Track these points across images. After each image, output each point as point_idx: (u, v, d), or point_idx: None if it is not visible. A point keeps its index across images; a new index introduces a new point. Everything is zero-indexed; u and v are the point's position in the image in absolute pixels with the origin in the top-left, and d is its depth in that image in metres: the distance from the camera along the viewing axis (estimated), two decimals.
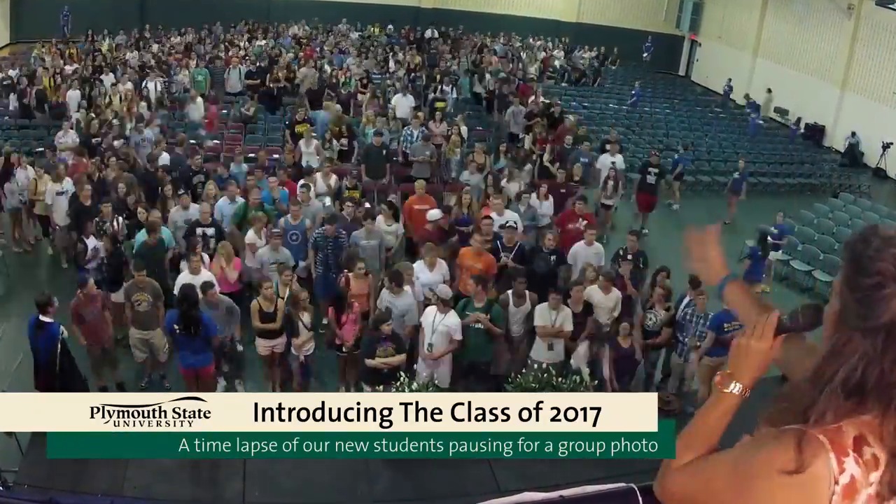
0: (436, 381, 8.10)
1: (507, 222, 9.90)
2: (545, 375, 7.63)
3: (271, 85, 17.60)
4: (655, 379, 9.15)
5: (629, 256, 9.58)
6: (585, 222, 10.32)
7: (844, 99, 21.98)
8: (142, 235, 9.39)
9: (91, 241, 9.41)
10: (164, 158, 12.13)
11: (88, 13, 23.19)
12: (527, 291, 8.49)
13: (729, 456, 1.52)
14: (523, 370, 7.90)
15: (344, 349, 8.31)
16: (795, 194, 18.29)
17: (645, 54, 28.25)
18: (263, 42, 22.39)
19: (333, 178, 11.63)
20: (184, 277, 8.43)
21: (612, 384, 8.15)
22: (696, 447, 1.62)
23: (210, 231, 9.67)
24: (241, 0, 26.32)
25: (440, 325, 7.97)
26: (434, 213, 10.09)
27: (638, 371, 8.72)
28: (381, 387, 7.90)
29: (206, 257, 9.05)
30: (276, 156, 13.51)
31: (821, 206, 16.15)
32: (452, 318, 8.03)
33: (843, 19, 21.81)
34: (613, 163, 13.71)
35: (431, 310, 8.11)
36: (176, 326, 7.60)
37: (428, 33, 26.73)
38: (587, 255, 9.57)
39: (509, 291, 8.48)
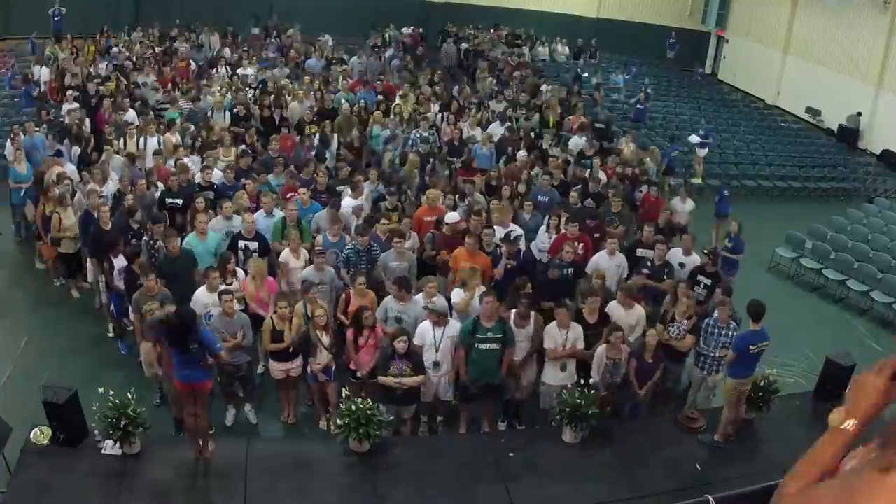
0: (439, 396, 8.15)
1: (508, 231, 9.82)
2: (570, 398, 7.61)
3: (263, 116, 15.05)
4: (676, 392, 8.94)
5: (654, 265, 9.51)
6: (582, 245, 9.93)
7: (880, 98, 21.84)
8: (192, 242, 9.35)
9: (119, 262, 9.14)
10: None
11: (81, 11, 23.34)
12: (531, 312, 8.21)
13: (837, 482, 1.55)
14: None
15: (359, 374, 7.97)
16: (828, 199, 18.22)
17: (669, 51, 28.18)
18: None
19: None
20: (200, 294, 8.25)
21: (635, 388, 8.07)
22: (810, 479, 1.63)
23: (253, 245, 9.37)
24: None
25: (444, 339, 7.92)
26: (452, 216, 9.99)
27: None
28: (396, 407, 7.86)
29: (240, 273, 8.88)
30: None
31: (855, 211, 16.06)
32: (454, 328, 8.03)
33: (878, 14, 21.70)
34: None
35: (428, 325, 7.95)
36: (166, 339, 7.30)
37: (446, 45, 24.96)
38: (608, 267, 9.45)
39: (512, 312, 8.21)
